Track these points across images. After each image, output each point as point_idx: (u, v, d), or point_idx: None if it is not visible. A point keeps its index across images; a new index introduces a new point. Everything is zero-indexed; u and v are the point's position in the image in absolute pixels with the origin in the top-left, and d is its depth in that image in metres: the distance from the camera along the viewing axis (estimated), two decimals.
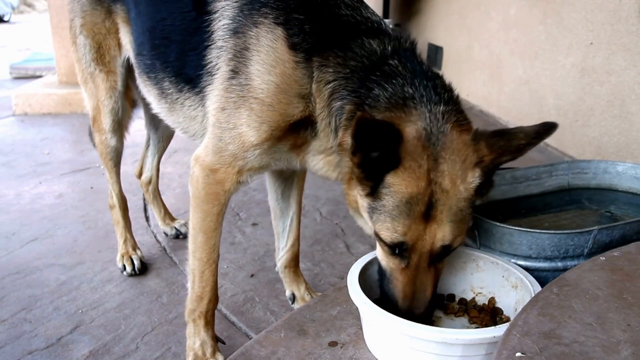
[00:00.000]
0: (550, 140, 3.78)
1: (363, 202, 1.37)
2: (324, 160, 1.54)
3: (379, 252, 1.42)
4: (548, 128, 1.34)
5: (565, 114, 3.60)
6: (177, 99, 1.75)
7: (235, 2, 1.53)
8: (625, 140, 3.04)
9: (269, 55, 1.43)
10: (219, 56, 1.53)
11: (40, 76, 6.43)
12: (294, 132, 1.49)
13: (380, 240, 1.36)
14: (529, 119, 4.04)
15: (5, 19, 17.21)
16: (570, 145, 3.57)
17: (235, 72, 1.48)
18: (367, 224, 1.44)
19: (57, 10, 5.15)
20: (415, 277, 1.36)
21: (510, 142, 1.33)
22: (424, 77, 1.40)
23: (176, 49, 1.71)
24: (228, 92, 1.49)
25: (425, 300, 1.38)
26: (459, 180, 1.30)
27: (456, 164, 1.30)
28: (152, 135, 2.65)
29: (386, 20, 6.28)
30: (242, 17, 1.50)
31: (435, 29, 5.92)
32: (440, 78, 1.44)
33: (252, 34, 1.46)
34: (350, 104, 1.40)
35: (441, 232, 1.30)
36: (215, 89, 1.54)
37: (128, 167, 3.36)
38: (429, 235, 1.31)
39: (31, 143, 4.35)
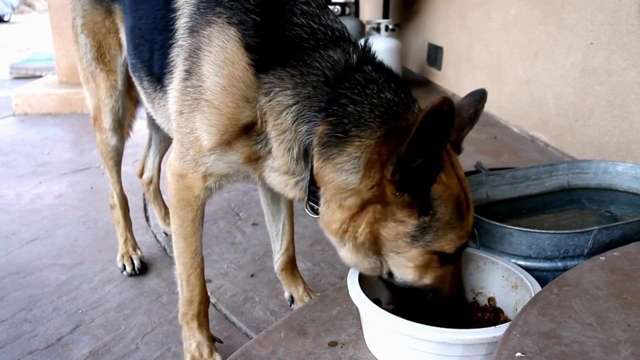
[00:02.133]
0: (550, 140, 3.79)
1: (405, 228, 1.25)
2: (279, 178, 1.46)
3: (418, 273, 1.32)
4: (480, 93, 1.47)
5: (565, 114, 3.60)
6: (154, 98, 1.73)
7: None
8: (625, 140, 3.04)
9: (218, 56, 1.37)
10: (178, 55, 1.49)
11: (40, 76, 6.43)
12: (247, 142, 1.41)
13: (442, 255, 1.29)
14: (529, 119, 4.04)
15: (5, 19, 17.22)
16: (570, 145, 3.57)
17: (189, 73, 1.43)
18: (367, 259, 1.35)
19: (57, 10, 5.15)
20: (457, 270, 1.38)
21: (462, 116, 1.44)
22: (397, 80, 1.36)
23: (149, 47, 1.68)
24: (184, 95, 1.45)
25: (463, 281, 1.42)
26: (461, 166, 1.34)
27: (452, 152, 1.35)
28: (154, 135, 2.65)
29: (386, 20, 6.26)
30: (198, 15, 1.44)
31: (435, 29, 5.92)
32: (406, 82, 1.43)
33: (205, 33, 1.40)
34: (323, 124, 1.29)
35: (471, 217, 1.33)
36: (173, 89, 1.50)
37: (128, 167, 3.36)
38: (469, 225, 1.33)
39: (31, 143, 4.35)
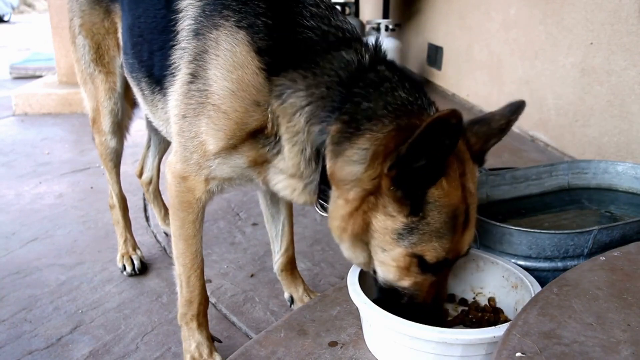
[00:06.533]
0: (550, 140, 3.79)
1: (393, 224, 1.25)
2: (287, 182, 1.45)
3: (398, 273, 1.31)
4: (518, 105, 1.38)
5: (565, 114, 3.60)
6: (152, 100, 1.71)
7: (198, 1, 1.45)
8: (625, 140, 3.04)
9: (226, 59, 1.35)
10: (181, 57, 1.46)
11: (40, 76, 6.43)
12: (254, 145, 1.40)
13: (422, 262, 1.27)
14: (529, 119, 4.04)
15: (5, 19, 17.22)
16: (570, 145, 3.57)
17: (194, 77, 1.41)
18: (362, 253, 1.36)
19: (57, 10, 5.15)
20: (441, 282, 1.35)
21: (491, 126, 1.36)
22: (412, 81, 1.35)
23: (148, 48, 1.65)
24: (188, 98, 1.42)
25: (445, 294, 1.38)
26: (475, 179, 1.29)
27: (468, 162, 1.29)
28: (152, 136, 2.65)
29: (386, 20, 6.24)
30: (203, 18, 1.41)
31: (435, 29, 5.91)
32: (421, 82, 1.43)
33: (212, 36, 1.38)
34: (337, 123, 1.28)
35: (470, 236, 1.29)
36: (175, 92, 1.48)
37: (128, 167, 3.36)
38: (463, 243, 1.29)
39: (31, 143, 4.35)
